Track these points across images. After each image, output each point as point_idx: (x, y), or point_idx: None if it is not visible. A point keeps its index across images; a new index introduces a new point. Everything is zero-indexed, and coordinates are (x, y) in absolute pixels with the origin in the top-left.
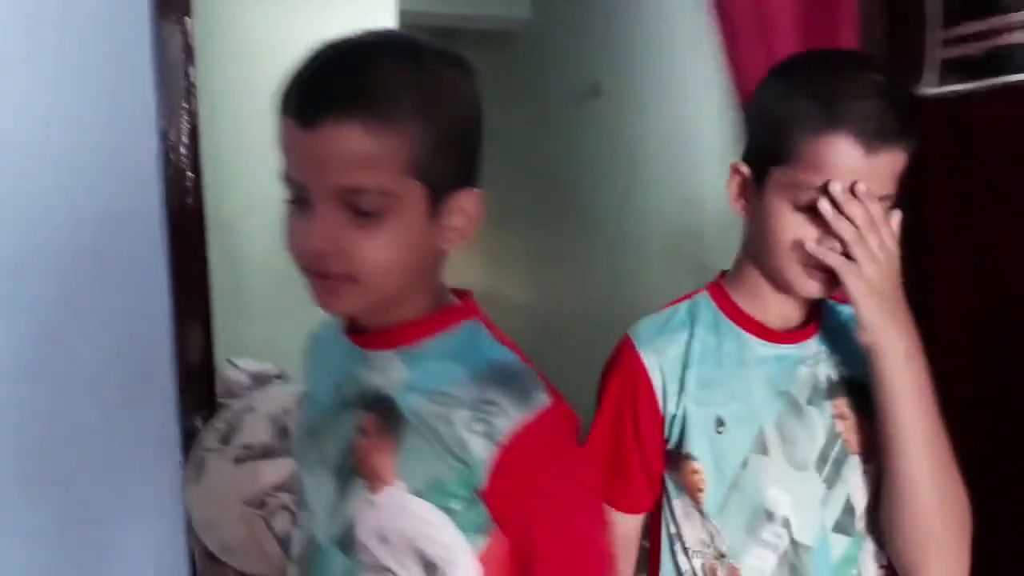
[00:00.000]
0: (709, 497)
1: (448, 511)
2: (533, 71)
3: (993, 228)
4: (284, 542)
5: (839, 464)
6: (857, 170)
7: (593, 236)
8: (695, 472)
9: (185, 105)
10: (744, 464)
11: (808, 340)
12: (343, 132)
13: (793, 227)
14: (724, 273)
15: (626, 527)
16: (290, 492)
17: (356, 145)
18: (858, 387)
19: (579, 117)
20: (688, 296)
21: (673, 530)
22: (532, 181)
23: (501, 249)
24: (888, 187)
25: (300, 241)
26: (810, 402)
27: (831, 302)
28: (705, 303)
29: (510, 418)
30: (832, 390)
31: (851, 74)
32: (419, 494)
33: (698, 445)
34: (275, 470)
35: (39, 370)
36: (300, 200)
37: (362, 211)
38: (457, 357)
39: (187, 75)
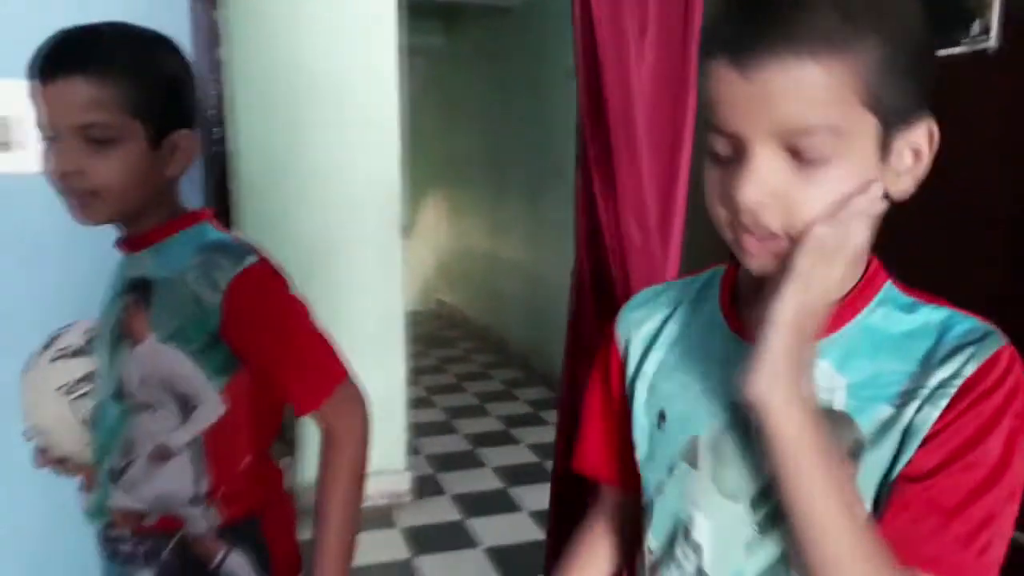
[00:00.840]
0: (645, 491)
1: (192, 354)
2: (531, 46)
3: None
4: (86, 420)
5: (783, 515)
6: (737, 100)
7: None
8: (637, 462)
9: (214, 86)
10: (670, 470)
11: (825, 335)
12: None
13: (711, 185)
14: None
15: (600, 499)
16: (91, 382)
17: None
18: (837, 422)
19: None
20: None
21: None
22: (529, 152)
23: (500, 213)
24: (794, 115)
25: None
26: None
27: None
28: (716, 281)
29: (227, 272)
30: None
31: None
32: (167, 341)
33: (639, 435)
34: (81, 366)
35: None
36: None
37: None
38: (189, 241)
39: (216, 56)
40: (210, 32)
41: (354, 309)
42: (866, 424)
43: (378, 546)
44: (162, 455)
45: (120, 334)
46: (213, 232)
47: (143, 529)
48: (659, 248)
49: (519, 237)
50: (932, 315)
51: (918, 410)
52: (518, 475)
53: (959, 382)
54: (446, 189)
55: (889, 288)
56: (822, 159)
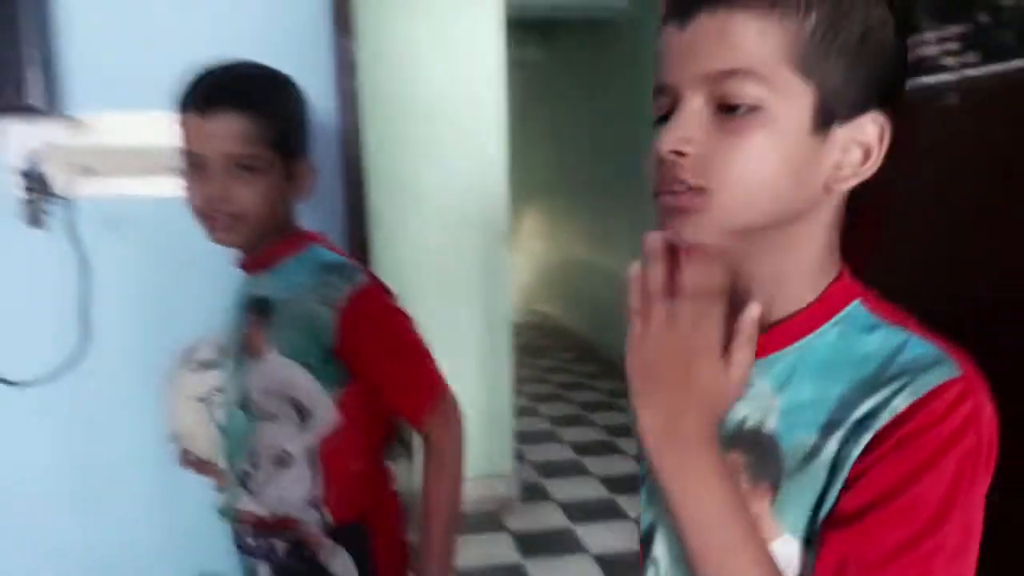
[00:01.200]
0: None
1: (308, 367)
2: (633, 59)
3: None
4: (219, 427)
5: None
6: (673, 51)
7: None
8: None
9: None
10: (644, 474)
11: (764, 354)
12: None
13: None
14: None
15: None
16: (223, 392)
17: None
18: (763, 446)
19: None
20: None
21: None
22: (630, 163)
23: (600, 224)
24: (716, 59)
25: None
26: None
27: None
28: None
29: (341, 292)
30: (735, 438)
31: None
32: (286, 356)
33: None
34: (214, 377)
35: None
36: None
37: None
38: (305, 263)
39: (352, 86)
40: (346, 63)
41: (462, 319)
42: (789, 451)
43: (489, 548)
44: (282, 461)
45: (244, 349)
46: (326, 253)
47: (263, 527)
48: None
49: (619, 247)
50: (890, 338)
51: (843, 443)
52: (623, 484)
53: (887, 416)
54: (544, 200)
55: (855, 307)
56: (748, 116)
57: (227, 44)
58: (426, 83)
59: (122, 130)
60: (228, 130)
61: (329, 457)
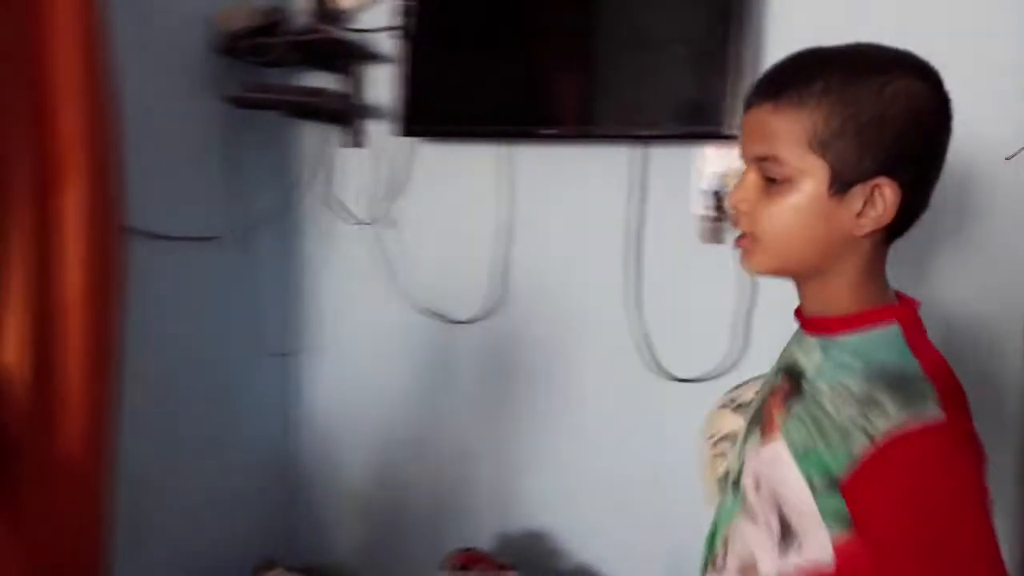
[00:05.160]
0: None
1: (811, 484)
2: None
3: None
4: (720, 480)
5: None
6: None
7: None
8: None
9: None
10: None
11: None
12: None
13: None
14: None
15: None
16: (732, 443)
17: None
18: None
19: None
20: None
21: None
22: None
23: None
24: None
25: None
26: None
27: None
28: None
29: (890, 420)
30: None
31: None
32: (793, 456)
33: None
34: (733, 423)
35: None
36: None
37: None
38: (861, 354)
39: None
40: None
41: None
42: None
43: None
44: (747, 571)
45: (759, 418)
46: (897, 347)
47: None
48: None
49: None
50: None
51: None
52: None
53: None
54: None
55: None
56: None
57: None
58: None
59: None
60: (754, 126)
61: None
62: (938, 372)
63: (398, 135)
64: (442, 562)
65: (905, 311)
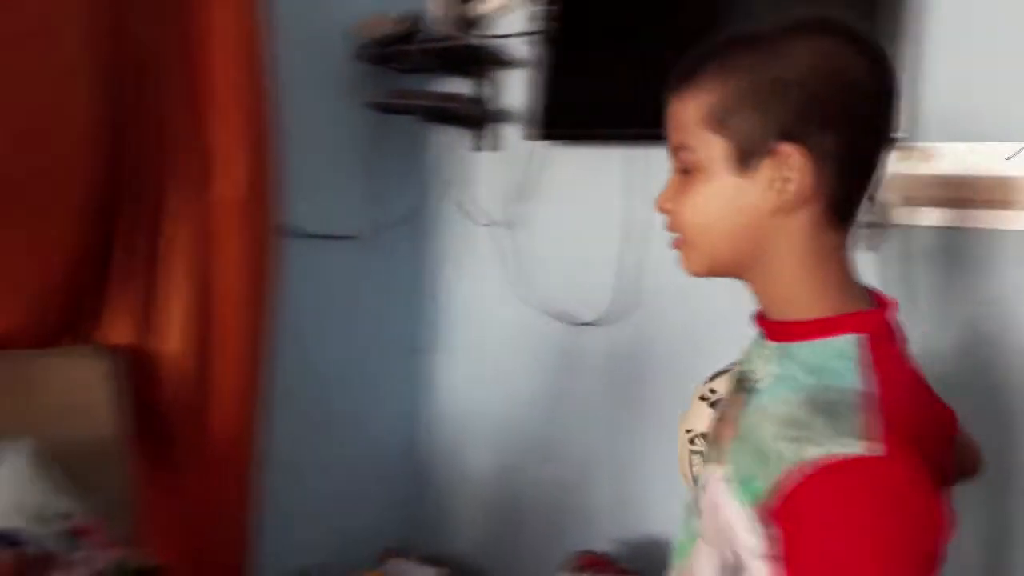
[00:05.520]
0: None
1: (746, 511)
2: None
3: None
4: (695, 479)
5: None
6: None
7: None
8: None
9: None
10: None
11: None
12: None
13: None
14: None
15: None
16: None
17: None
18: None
19: None
20: None
21: None
22: None
23: None
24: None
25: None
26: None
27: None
28: None
29: (818, 447)
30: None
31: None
32: (731, 480)
33: None
34: (707, 420)
35: None
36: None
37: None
38: (812, 369)
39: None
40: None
41: None
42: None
43: None
44: None
45: (716, 437)
46: (851, 364)
47: None
48: None
49: None
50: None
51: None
52: None
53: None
54: None
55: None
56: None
57: None
58: None
59: (961, 160)
60: (672, 117)
61: None
62: (895, 395)
63: (534, 139)
64: (564, 563)
65: (870, 319)
